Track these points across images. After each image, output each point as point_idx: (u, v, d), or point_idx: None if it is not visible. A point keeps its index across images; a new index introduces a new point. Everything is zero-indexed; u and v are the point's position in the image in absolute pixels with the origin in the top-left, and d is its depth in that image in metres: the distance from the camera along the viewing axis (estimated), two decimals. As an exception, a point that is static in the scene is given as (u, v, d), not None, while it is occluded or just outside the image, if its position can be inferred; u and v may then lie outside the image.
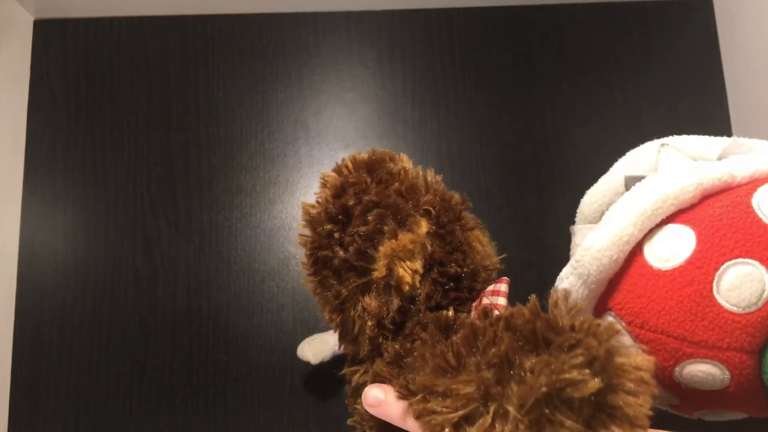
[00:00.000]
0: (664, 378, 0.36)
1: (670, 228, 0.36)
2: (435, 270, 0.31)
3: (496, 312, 0.28)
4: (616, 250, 0.36)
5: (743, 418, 0.39)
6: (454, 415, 0.22)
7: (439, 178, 0.34)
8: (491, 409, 0.21)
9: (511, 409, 0.21)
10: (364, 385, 0.32)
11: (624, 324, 0.37)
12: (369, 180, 0.32)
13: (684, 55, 0.64)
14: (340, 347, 0.36)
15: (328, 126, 0.63)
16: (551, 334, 0.22)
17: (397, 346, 0.30)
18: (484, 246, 0.35)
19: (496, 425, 0.21)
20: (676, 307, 0.34)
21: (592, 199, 0.50)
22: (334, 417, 0.57)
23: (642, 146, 0.48)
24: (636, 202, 0.37)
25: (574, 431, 0.20)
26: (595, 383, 0.20)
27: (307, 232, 0.33)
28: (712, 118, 0.63)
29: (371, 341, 0.31)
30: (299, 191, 0.62)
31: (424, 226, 0.31)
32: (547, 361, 0.21)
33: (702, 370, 0.34)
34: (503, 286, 0.32)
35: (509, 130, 0.63)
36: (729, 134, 0.63)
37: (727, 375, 0.33)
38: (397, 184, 0.32)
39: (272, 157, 0.63)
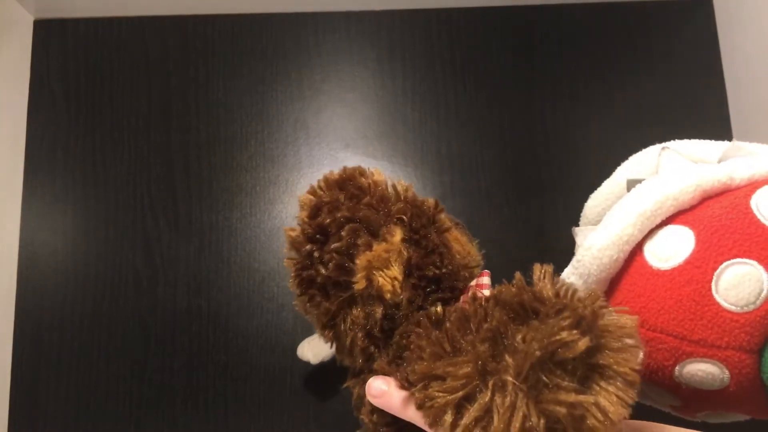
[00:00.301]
0: (665, 377, 0.36)
1: (670, 229, 0.37)
2: (414, 274, 0.32)
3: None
4: (616, 249, 0.37)
5: (746, 419, 0.39)
6: (455, 397, 0.23)
7: (410, 186, 0.36)
8: (490, 384, 0.22)
9: (509, 378, 0.21)
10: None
11: None
12: (341, 197, 0.33)
13: (684, 55, 0.64)
14: (338, 362, 0.37)
15: (328, 126, 0.63)
16: (538, 304, 0.23)
17: (392, 350, 0.31)
18: (462, 245, 0.36)
19: (496, 398, 0.22)
20: (675, 306, 0.34)
21: (595, 203, 0.51)
22: (335, 417, 0.57)
23: (644, 150, 0.48)
24: (636, 203, 0.37)
25: (570, 391, 0.21)
26: (584, 342, 0.21)
27: (294, 254, 0.34)
28: (712, 118, 0.63)
29: (363, 352, 0.32)
30: (299, 191, 0.62)
31: (398, 234, 0.32)
32: (537, 327, 0.22)
33: (702, 369, 0.34)
34: (486, 279, 0.33)
35: (509, 130, 0.63)
36: (729, 134, 0.63)
37: (726, 374, 0.33)
38: (367, 198, 0.33)
39: (272, 157, 0.63)
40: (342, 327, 0.32)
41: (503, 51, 0.65)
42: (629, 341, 0.22)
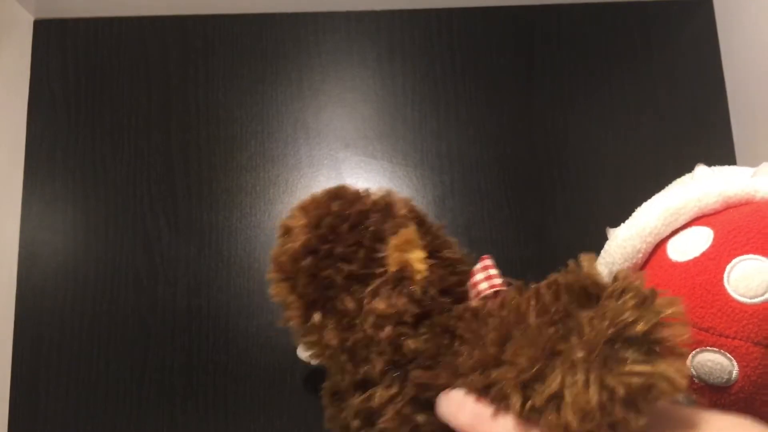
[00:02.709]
0: None
1: (693, 229, 0.40)
2: (434, 257, 0.34)
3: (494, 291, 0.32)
4: (639, 240, 0.40)
5: None
6: (522, 378, 0.24)
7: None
8: (558, 363, 0.23)
9: (579, 356, 0.23)
10: (389, 402, 0.32)
11: None
12: (338, 205, 0.34)
13: (684, 55, 0.64)
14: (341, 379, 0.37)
15: (328, 126, 0.63)
16: (597, 288, 0.25)
17: (422, 342, 0.31)
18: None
19: (567, 376, 0.23)
20: (688, 294, 0.36)
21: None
22: (334, 417, 0.57)
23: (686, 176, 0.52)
24: (662, 201, 0.41)
25: (638, 362, 0.22)
26: (653, 318, 0.23)
27: (281, 277, 0.34)
28: (712, 118, 0.63)
29: (392, 343, 0.32)
30: (299, 191, 0.62)
31: (411, 224, 0.34)
32: (605, 307, 0.24)
33: (711, 360, 0.35)
34: (489, 261, 0.35)
35: (509, 130, 0.63)
36: (729, 134, 0.63)
37: (735, 367, 0.35)
38: (369, 198, 0.35)
39: (272, 157, 0.63)
40: (365, 325, 0.32)
41: (503, 51, 0.65)
42: (679, 318, 0.24)
